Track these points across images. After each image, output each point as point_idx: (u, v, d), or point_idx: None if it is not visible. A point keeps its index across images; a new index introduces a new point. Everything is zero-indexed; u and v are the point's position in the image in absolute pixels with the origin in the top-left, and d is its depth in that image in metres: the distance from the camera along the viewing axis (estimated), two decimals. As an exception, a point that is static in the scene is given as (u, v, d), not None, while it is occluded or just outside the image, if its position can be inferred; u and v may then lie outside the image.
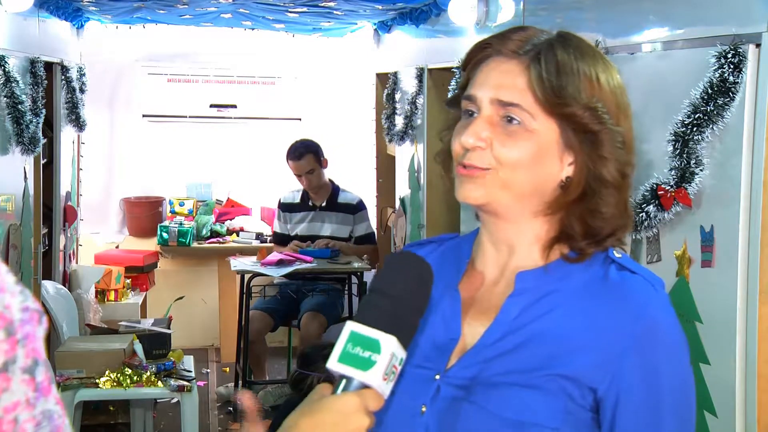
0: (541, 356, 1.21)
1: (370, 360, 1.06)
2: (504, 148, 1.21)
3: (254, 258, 5.40)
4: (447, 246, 1.40)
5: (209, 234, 6.61)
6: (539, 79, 1.20)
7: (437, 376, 1.26)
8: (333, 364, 1.07)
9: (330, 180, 5.71)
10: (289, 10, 5.39)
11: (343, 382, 1.07)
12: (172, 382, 4.07)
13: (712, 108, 2.28)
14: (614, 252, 1.27)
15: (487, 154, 1.22)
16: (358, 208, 5.67)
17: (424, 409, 1.25)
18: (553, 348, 1.21)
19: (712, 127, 2.31)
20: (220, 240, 6.57)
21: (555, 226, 1.27)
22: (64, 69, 5.38)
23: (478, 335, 1.26)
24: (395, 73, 5.74)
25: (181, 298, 6.28)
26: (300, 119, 6.95)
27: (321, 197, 5.65)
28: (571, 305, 1.24)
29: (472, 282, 1.32)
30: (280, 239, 5.72)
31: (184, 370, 4.23)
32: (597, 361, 1.19)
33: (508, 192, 1.23)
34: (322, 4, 5.18)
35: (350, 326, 1.08)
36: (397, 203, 5.91)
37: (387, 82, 5.85)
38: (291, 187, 5.80)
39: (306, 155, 5.50)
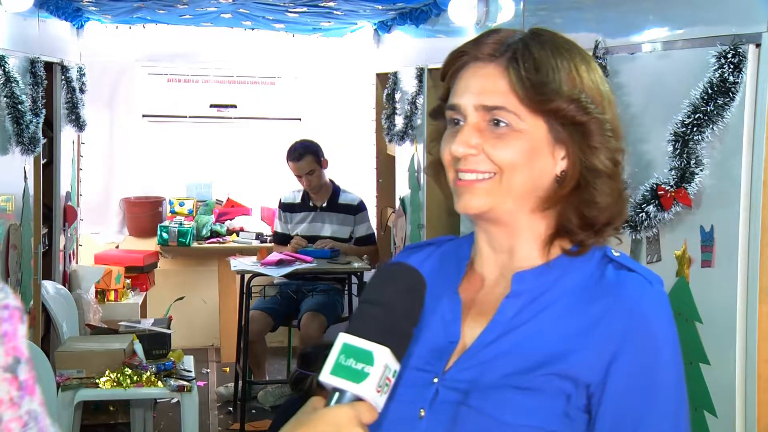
0: (538, 355, 1.21)
1: (362, 372, 1.04)
2: (496, 151, 1.21)
3: (254, 258, 5.39)
4: (445, 248, 1.40)
5: (209, 234, 6.60)
6: (519, 78, 1.20)
7: (435, 380, 1.26)
8: (325, 376, 1.05)
9: (330, 180, 5.70)
10: (289, 10, 5.39)
11: (336, 394, 1.05)
12: (172, 382, 4.06)
13: (712, 108, 2.28)
14: (612, 251, 1.27)
15: (482, 158, 1.22)
16: (359, 208, 5.67)
17: (422, 413, 1.24)
18: (549, 346, 1.21)
19: (712, 127, 2.31)
20: (220, 240, 6.57)
21: (552, 222, 1.27)
22: (64, 69, 5.37)
23: (476, 336, 1.26)
24: (395, 73, 5.73)
25: (181, 298, 6.28)
26: (300, 119, 6.95)
27: (322, 198, 5.64)
28: (567, 303, 1.24)
29: (472, 284, 1.32)
30: (281, 239, 5.72)
31: (184, 370, 4.23)
32: (591, 357, 1.19)
33: (509, 195, 1.23)
34: (322, 4, 5.18)
35: (343, 338, 1.07)
36: (397, 203, 5.90)
37: (387, 82, 5.85)
38: (291, 187, 5.79)
39: (305, 156, 5.49)
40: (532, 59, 1.20)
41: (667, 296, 1.26)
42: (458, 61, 1.27)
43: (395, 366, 1.07)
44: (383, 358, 1.05)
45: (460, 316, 1.29)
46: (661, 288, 1.25)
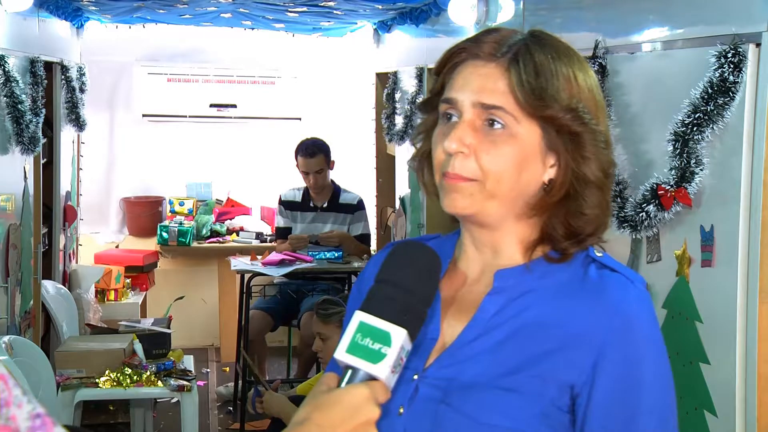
0: (519, 355, 1.21)
1: (380, 352, 1.05)
2: (488, 156, 1.20)
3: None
4: (429, 245, 1.40)
5: (209, 234, 6.60)
6: (519, 81, 1.19)
7: (415, 377, 1.25)
8: (341, 354, 1.06)
9: (332, 180, 5.69)
10: (289, 9, 5.39)
11: (349, 372, 1.06)
12: (172, 381, 4.07)
13: (712, 108, 2.28)
14: (595, 251, 1.27)
15: (471, 162, 1.21)
16: (357, 207, 5.65)
17: (401, 410, 1.24)
18: (531, 346, 1.21)
19: (712, 127, 2.31)
20: (220, 240, 6.57)
21: (537, 229, 1.27)
22: (64, 69, 5.37)
23: (456, 334, 1.26)
24: (395, 72, 5.73)
25: (181, 297, 6.28)
26: (300, 119, 6.95)
27: (323, 198, 5.62)
28: (549, 303, 1.23)
29: (454, 281, 1.31)
30: (284, 234, 5.68)
31: (184, 369, 4.23)
32: (574, 358, 1.19)
33: (495, 201, 1.22)
34: (322, 4, 5.18)
35: (359, 316, 1.07)
36: (397, 203, 5.91)
37: (387, 81, 5.85)
38: (291, 185, 5.77)
39: (318, 154, 5.47)
40: (532, 63, 1.20)
41: (649, 296, 1.26)
42: (456, 57, 1.26)
43: (409, 346, 1.08)
44: (400, 339, 1.06)
45: (440, 313, 1.28)
46: (643, 288, 1.24)
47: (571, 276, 1.25)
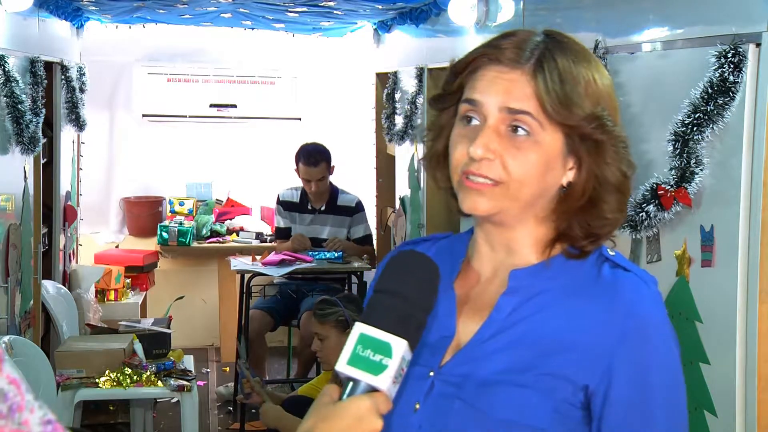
0: (533, 355, 1.22)
1: (381, 364, 1.05)
2: (515, 161, 1.21)
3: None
4: (441, 244, 1.41)
5: (209, 234, 6.60)
6: (546, 89, 1.19)
7: (431, 373, 1.27)
8: (342, 366, 1.06)
9: (329, 181, 5.68)
10: (289, 9, 5.39)
11: (350, 384, 1.06)
12: (172, 381, 4.06)
13: (712, 108, 2.28)
14: (608, 250, 1.28)
15: (497, 165, 1.21)
16: (357, 209, 5.64)
17: (417, 406, 1.26)
18: (545, 346, 1.22)
19: (712, 127, 2.31)
20: (220, 240, 6.57)
21: (553, 229, 1.28)
22: (64, 69, 5.37)
23: (471, 333, 1.27)
24: (395, 72, 5.73)
25: (181, 297, 6.28)
26: (300, 119, 6.95)
27: (321, 200, 5.61)
28: (563, 303, 1.24)
29: (467, 280, 1.33)
30: (284, 234, 5.67)
31: (184, 369, 4.23)
32: (588, 358, 1.20)
33: (517, 203, 1.23)
34: (322, 4, 5.18)
35: (359, 328, 1.07)
36: (397, 203, 5.90)
37: (387, 81, 5.85)
38: (289, 184, 5.76)
39: (321, 163, 5.43)
40: (557, 69, 1.20)
41: (661, 296, 1.27)
42: (476, 61, 1.25)
43: (409, 356, 1.08)
44: (401, 350, 1.06)
45: (455, 312, 1.30)
46: (655, 288, 1.25)
47: (585, 276, 1.26)
